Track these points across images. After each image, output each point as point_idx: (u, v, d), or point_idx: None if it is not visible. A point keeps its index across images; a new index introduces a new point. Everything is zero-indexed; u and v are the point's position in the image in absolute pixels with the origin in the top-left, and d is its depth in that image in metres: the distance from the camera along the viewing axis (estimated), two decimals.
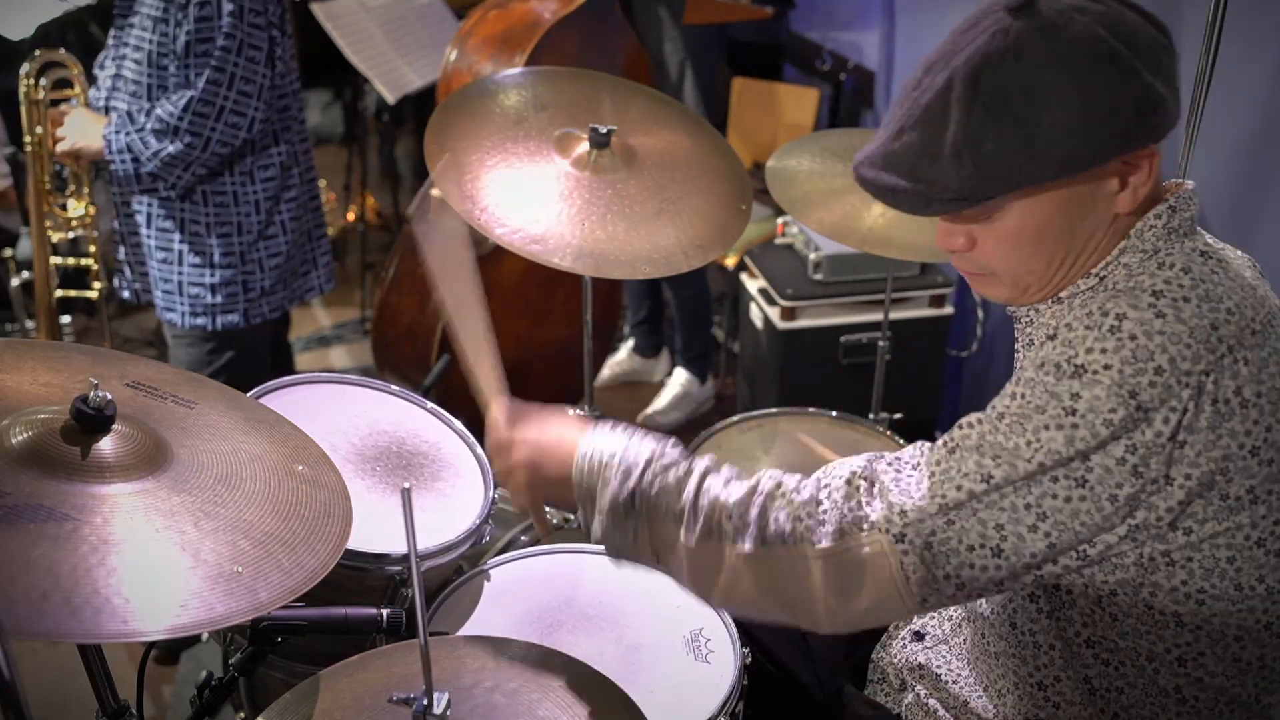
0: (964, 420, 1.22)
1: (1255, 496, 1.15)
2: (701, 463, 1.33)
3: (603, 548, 1.34)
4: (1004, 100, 1.13)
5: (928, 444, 1.25)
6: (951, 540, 1.17)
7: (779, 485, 1.28)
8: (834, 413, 2.28)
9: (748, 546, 1.25)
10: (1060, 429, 1.13)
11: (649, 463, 1.31)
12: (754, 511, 1.26)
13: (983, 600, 1.39)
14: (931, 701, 1.49)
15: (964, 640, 1.51)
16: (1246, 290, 1.19)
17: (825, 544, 1.22)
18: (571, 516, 2.52)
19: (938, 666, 1.51)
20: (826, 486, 1.26)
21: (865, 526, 1.20)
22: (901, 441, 2.21)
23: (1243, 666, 1.23)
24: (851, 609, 1.22)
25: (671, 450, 1.33)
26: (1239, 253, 1.30)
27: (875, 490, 1.22)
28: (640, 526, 1.30)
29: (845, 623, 1.26)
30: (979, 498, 1.16)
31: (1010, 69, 1.13)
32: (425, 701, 1.12)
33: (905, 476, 1.22)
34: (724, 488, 1.29)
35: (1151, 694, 1.26)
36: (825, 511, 1.23)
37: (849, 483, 1.24)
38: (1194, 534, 1.16)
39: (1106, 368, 1.12)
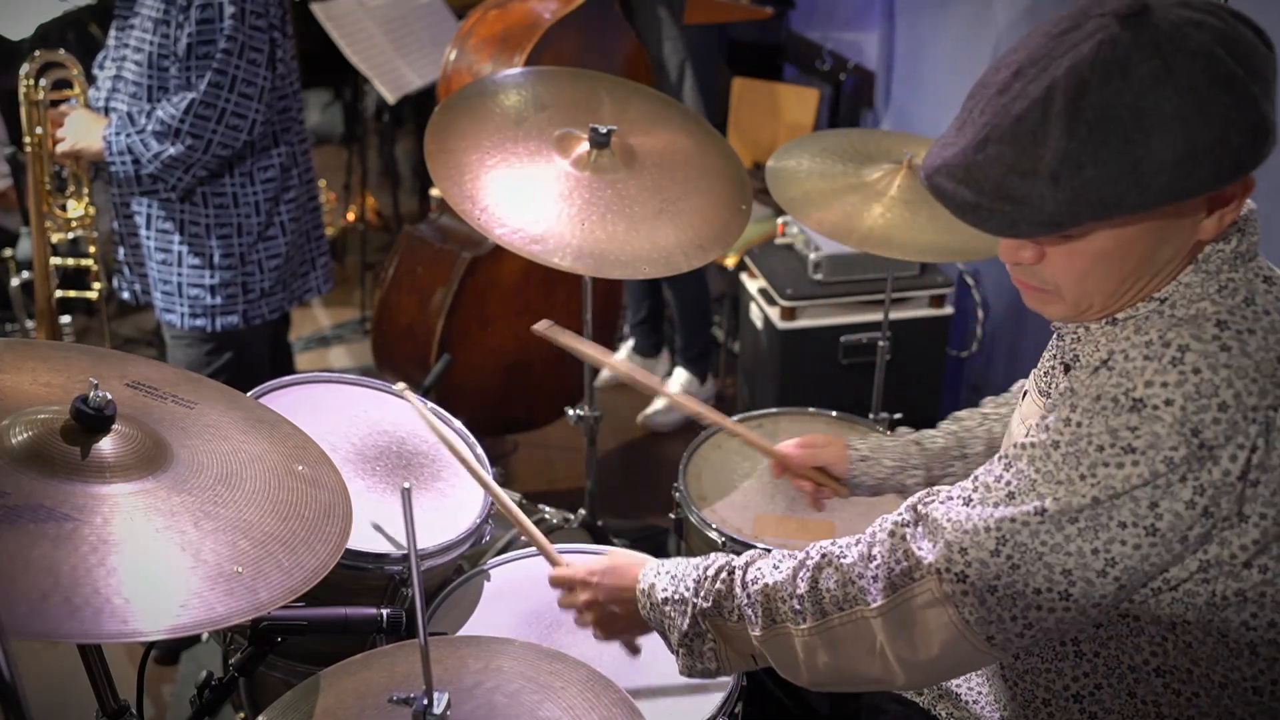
0: (1017, 443, 1.17)
1: None
2: (745, 556, 1.34)
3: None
4: (1110, 120, 1.03)
5: (982, 473, 1.19)
6: (1017, 584, 1.12)
7: (825, 554, 1.27)
8: (834, 413, 2.28)
9: (807, 622, 1.25)
10: (1120, 467, 1.08)
11: (699, 583, 1.34)
12: (804, 586, 1.26)
13: None
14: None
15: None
16: None
17: (879, 602, 1.20)
18: (571, 516, 2.52)
19: (956, 685, 1.49)
20: (873, 542, 1.23)
21: (917, 575, 1.17)
22: None
23: None
24: (925, 662, 1.19)
25: (718, 558, 1.35)
26: None
27: (925, 530, 1.19)
28: (717, 644, 1.33)
29: (925, 677, 1.23)
30: (1038, 533, 1.11)
31: (1118, 86, 1.03)
32: (425, 701, 1.12)
33: (956, 511, 1.17)
34: (773, 571, 1.29)
35: None
36: (876, 567, 1.21)
37: (893, 534, 1.22)
38: (1270, 571, 1.12)
39: (1168, 403, 1.06)
